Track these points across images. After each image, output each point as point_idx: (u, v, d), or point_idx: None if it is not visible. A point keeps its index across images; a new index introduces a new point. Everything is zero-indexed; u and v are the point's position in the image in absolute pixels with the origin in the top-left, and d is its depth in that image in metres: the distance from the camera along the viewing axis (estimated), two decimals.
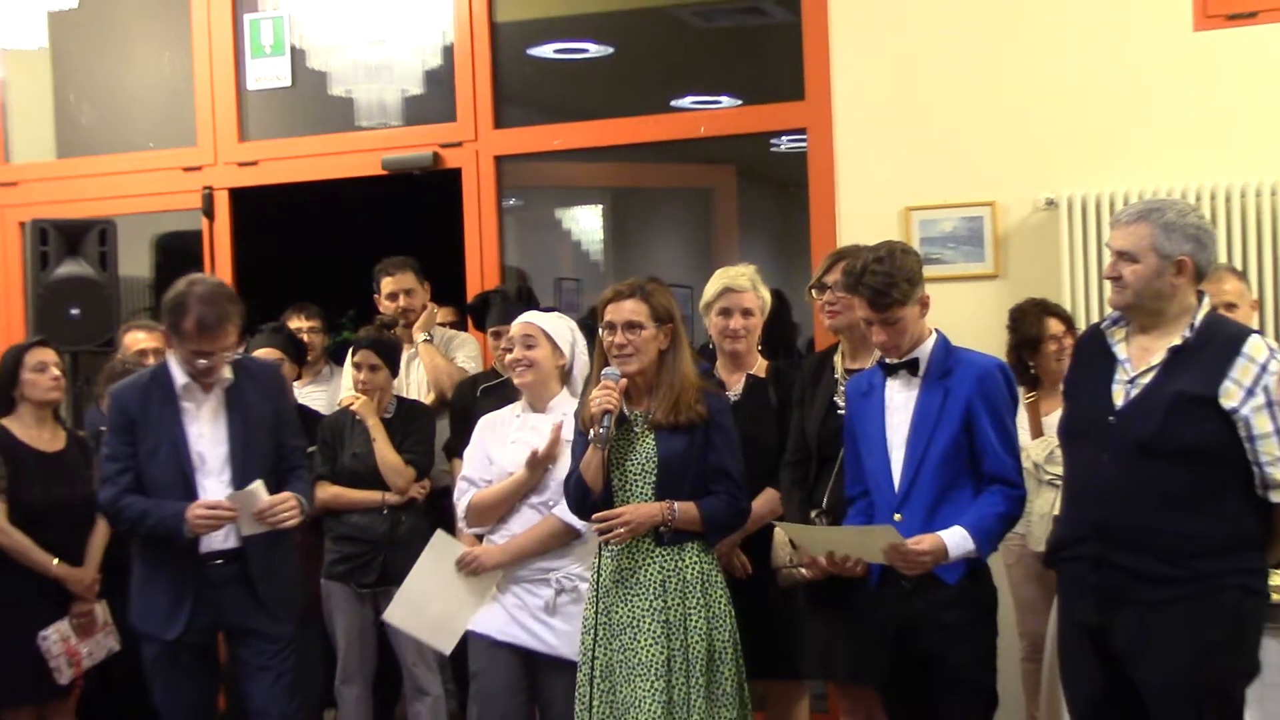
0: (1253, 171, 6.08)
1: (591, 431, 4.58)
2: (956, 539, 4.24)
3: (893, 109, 6.58)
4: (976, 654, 4.38)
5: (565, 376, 5.04)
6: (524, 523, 4.99)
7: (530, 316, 5.09)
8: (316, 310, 7.09)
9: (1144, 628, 3.97)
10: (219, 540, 4.99)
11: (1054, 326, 5.88)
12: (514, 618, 4.88)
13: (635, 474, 4.64)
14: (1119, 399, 4.07)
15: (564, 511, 4.86)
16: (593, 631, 4.69)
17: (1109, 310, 4.26)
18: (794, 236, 7.36)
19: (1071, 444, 4.26)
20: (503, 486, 4.98)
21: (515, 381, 5.05)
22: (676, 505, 4.56)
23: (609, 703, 4.60)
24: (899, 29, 6.58)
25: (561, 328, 5.06)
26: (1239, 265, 5.93)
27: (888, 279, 4.33)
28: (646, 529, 4.57)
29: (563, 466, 4.86)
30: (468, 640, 5.05)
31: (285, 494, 4.99)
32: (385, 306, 6.67)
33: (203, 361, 4.99)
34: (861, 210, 6.43)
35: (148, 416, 5.07)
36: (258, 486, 4.94)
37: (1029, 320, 5.91)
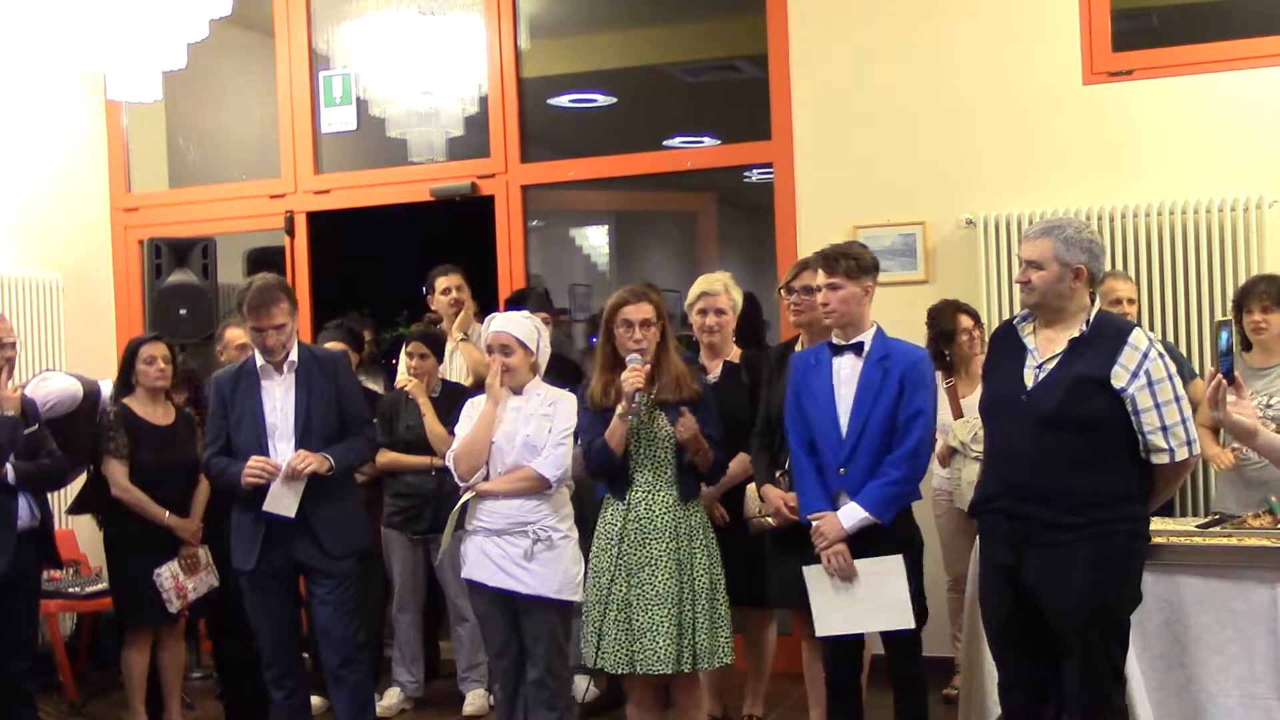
0: (1131, 197, 6.07)
1: (620, 407, 4.54)
2: (852, 516, 4.33)
3: (842, 146, 6.56)
4: (910, 584, 4.36)
5: (534, 366, 4.93)
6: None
7: (503, 326, 4.88)
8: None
9: (1049, 565, 3.94)
10: (277, 509, 4.99)
11: (965, 321, 5.86)
12: (500, 567, 4.77)
13: (652, 442, 4.61)
14: (1029, 381, 4.02)
15: (539, 464, 4.77)
16: (608, 573, 4.63)
17: (1018, 308, 4.22)
18: (762, 250, 7.33)
19: (991, 418, 4.21)
20: (474, 426, 4.85)
21: (498, 381, 4.87)
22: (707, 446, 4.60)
23: (626, 631, 4.56)
24: (847, 83, 6.56)
25: (529, 329, 4.90)
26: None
27: (840, 252, 4.47)
28: (691, 439, 4.55)
29: (514, 434, 4.78)
30: (470, 586, 4.94)
31: (300, 451, 4.97)
32: (438, 301, 6.56)
33: (258, 335, 5.01)
34: (817, 228, 6.37)
35: (236, 394, 5.11)
36: (281, 473, 4.97)
37: (944, 317, 5.87)
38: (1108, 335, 3.97)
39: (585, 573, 4.79)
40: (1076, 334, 3.99)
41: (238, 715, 5.91)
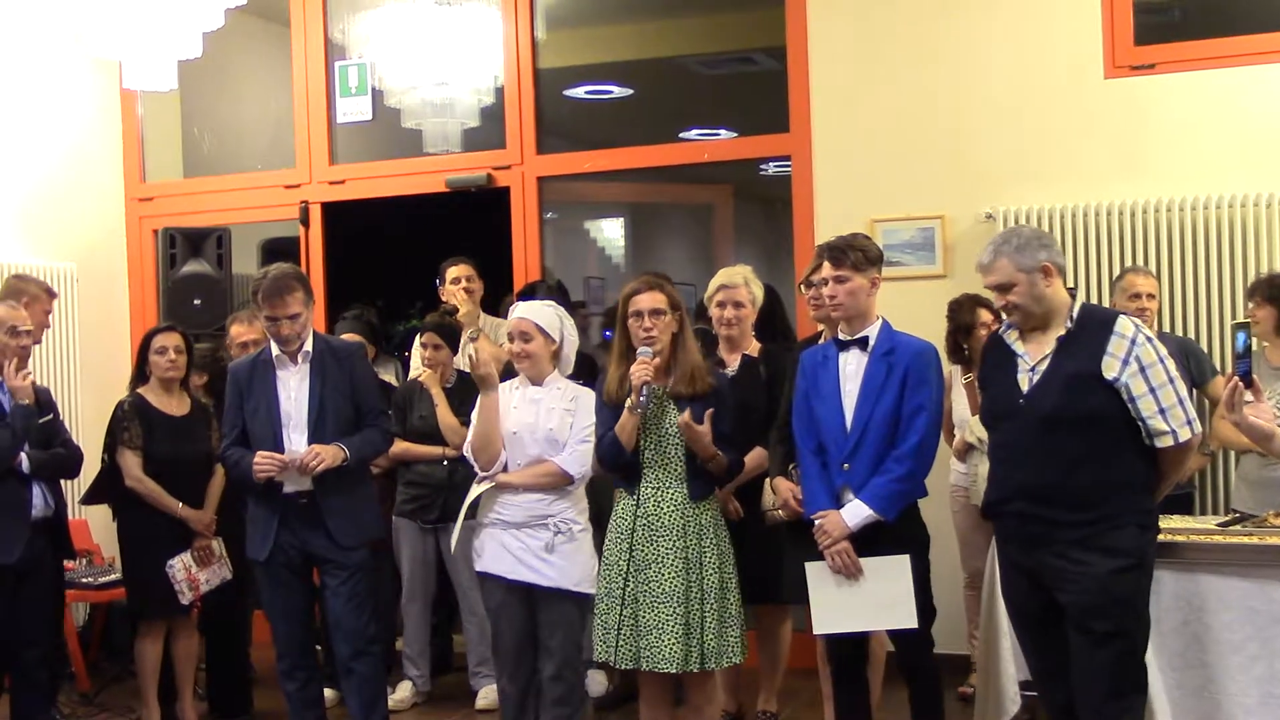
0: (1153, 192, 6.04)
1: (630, 400, 4.52)
2: (856, 514, 4.31)
3: (861, 139, 6.54)
4: (915, 582, 4.34)
5: (556, 356, 4.90)
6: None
7: (525, 312, 4.87)
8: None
9: (1065, 560, 3.95)
10: (294, 485, 5.04)
11: (984, 315, 5.83)
12: (519, 559, 4.76)
13: (662, 437, 4.59)
14: (1025, 385, 4.04)
15: (563, 460, 4.76)
16: (616, 567, 4.62)
17: None
18: (779, 244, 7.32)
19: (995, 425, 4.22)
20: (476, 417, 4.82)
21: (516, 368, 4.89)
22: (720, 454, 4.58)
23: (632, 627, 4.55)
24: (866, 75, 6.54)
25: (552, 318, 4.87)
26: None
27: (847, 243, 4.45)
28: (698, 444, 4.52)
29: (535, 426, 4.77)
30: (483, 580, 4.93)
31: (312, 446, 4.98)
32: (449, 290, 6.55)
33: (272, 324, 5.02)
34: (835, 222, 6.30)
35: (252, 384, 5.13)
36: (290, 458, 4.98)
37: (964, 310, 5.86)
38: (1093, 327, 3.99)
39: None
40: (1063, 332, 4.01)
41: (222, 709, 6.00)
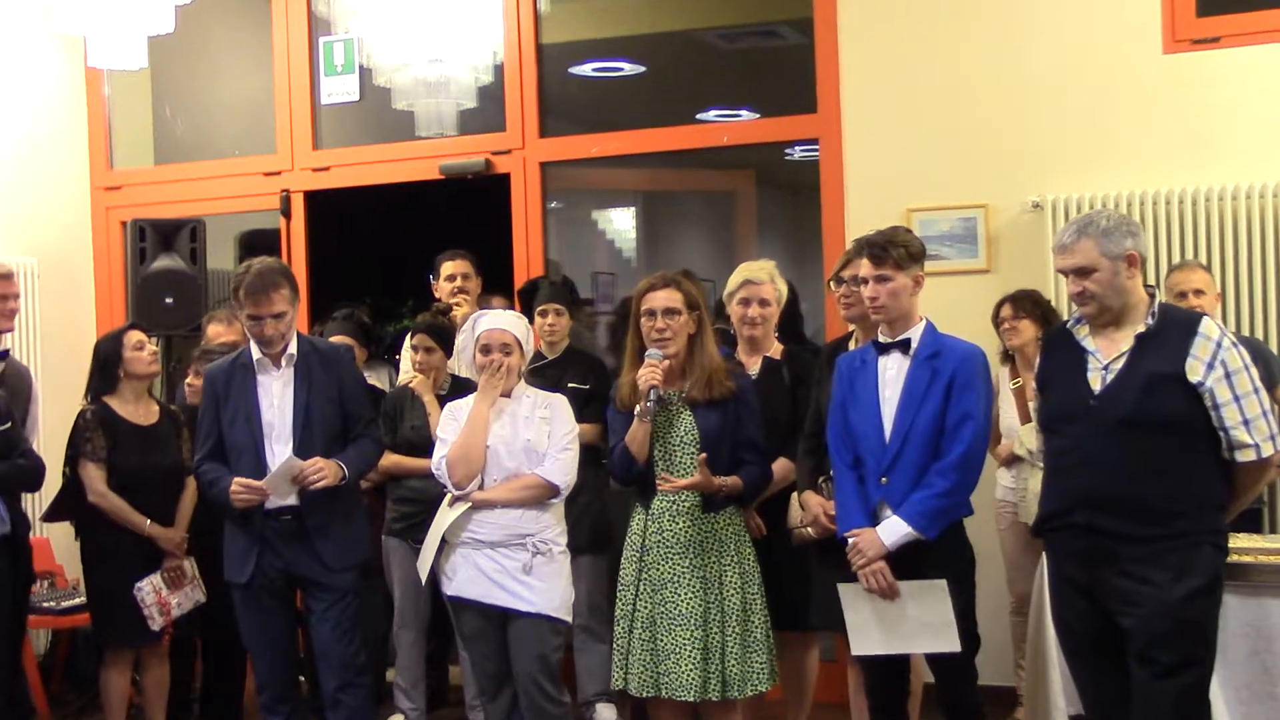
0: (1216, 178, 6.00)
1: (638, 407, 4.58)
2: (893, 532, 4.26)
3: (895, 121, 6.51)
4: (958, 606, 4.30)
5: (522, 371, 4.99)
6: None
7: (505, 325, 4.92)
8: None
9: (1130, 580, 3.90)
10: (279, 500, 4.99)
11: (1003, 311, 5.85)
12: (495, 582, 4.77)
13: (677, 446, 4.65)
14: (1096, 384, 4.00)
15: (546, 471, 4.78)
16: (633, 587, 4.68)
17: None
18: (806, 235, 7.31)
19: (1056, 427, 4.17)
20: (468, 429, 4.81)
21: (494, 380, 4.86)
22: (728, 480, 4.61)
23: (650, 650, 4.60)
24: (901, 50, 6.51)
25: (525, 330, 4.99)
26: (1203, 261, 5.84)
27: (888, 239, 4.43)
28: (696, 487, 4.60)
29: (512, 439, 4.80)
30: (456, 605, 4.94)
31: (315, 459, 4.94)
32: (442, 288, 6.56)
33: (255, 324, 4.99)
34: (867, 211, 6.32)
35: (230, 390, 5.10)
36: (290, 462, 4.93)
37: (996, 308, 5.88)
38: (1176, 327, 3.97)
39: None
40: (1142, 329, 3.99)
41: None
